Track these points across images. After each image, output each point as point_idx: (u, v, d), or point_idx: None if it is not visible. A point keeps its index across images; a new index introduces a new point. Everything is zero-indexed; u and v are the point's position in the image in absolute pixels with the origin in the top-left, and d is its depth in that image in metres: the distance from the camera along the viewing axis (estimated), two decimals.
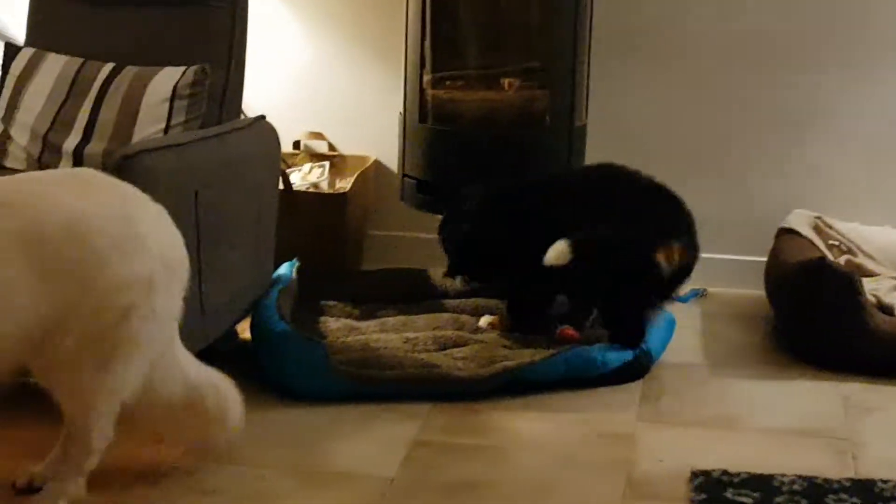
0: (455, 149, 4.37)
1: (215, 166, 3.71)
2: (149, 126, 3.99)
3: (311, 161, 4.96)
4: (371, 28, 4.91)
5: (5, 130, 4.16)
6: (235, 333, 3.99)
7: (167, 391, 2.97)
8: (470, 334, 4.05)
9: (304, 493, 3.08)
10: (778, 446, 3.40)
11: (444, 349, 3.91)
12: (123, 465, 3.12)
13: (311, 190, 4.78)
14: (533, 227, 3.95)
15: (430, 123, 4.41)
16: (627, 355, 3.81)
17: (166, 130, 3.98)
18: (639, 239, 3.83)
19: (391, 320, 4.17)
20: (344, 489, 3.11)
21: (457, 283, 4.21)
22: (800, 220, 4.51)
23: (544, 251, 3.78)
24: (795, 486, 3.09)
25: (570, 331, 4.03)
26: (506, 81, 4.39)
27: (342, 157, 4.99)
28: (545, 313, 4.13)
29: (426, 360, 3.76)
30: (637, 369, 3.83)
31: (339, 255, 4.70)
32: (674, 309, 4.11)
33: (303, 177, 4.85)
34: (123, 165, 3.07)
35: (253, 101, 4.56)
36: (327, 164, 4.92)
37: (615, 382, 3.77)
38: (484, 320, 4.18)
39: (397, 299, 4.37)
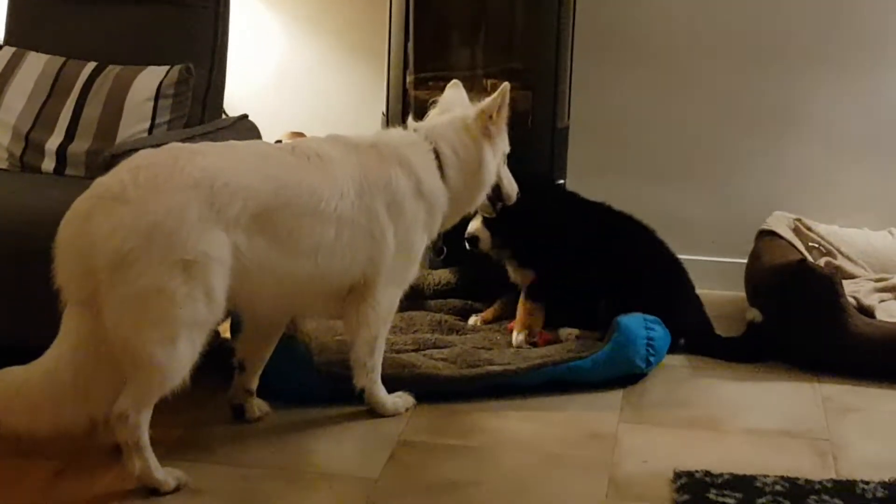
0: None
1: None
2: (133, 125, 3.98)
3: None
4: (354, 28, 4.90)
5: None
6: (217, 333, 3.97)
7: None
8: (447, 336, 4.06)
9: (290, 494, 3.08)
10: (760, 447, 3.42)
11: (423, 350, 3.91)
12: (108, 462, 3.12)
13: None
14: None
15: None
16: (620, 370, 3.81)
17: (151, 129, 3.97)
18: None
19: None
20: (329, 490, 3.11)
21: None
22: (780, 222, 4.53)
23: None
24: (777, 487, 3.11)
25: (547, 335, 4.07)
26: (488, 82, 4.38)
27: None
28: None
29: (405, 361, 3.76)
30: (626, 380, 3.84)
31: None
32: None
33: None
34: (112, 164, 3.08)
35: (235, 101, 4.56)
36: None
37: (599, 385, 3.78)
38: (472, 319, 4.22)
39: None
